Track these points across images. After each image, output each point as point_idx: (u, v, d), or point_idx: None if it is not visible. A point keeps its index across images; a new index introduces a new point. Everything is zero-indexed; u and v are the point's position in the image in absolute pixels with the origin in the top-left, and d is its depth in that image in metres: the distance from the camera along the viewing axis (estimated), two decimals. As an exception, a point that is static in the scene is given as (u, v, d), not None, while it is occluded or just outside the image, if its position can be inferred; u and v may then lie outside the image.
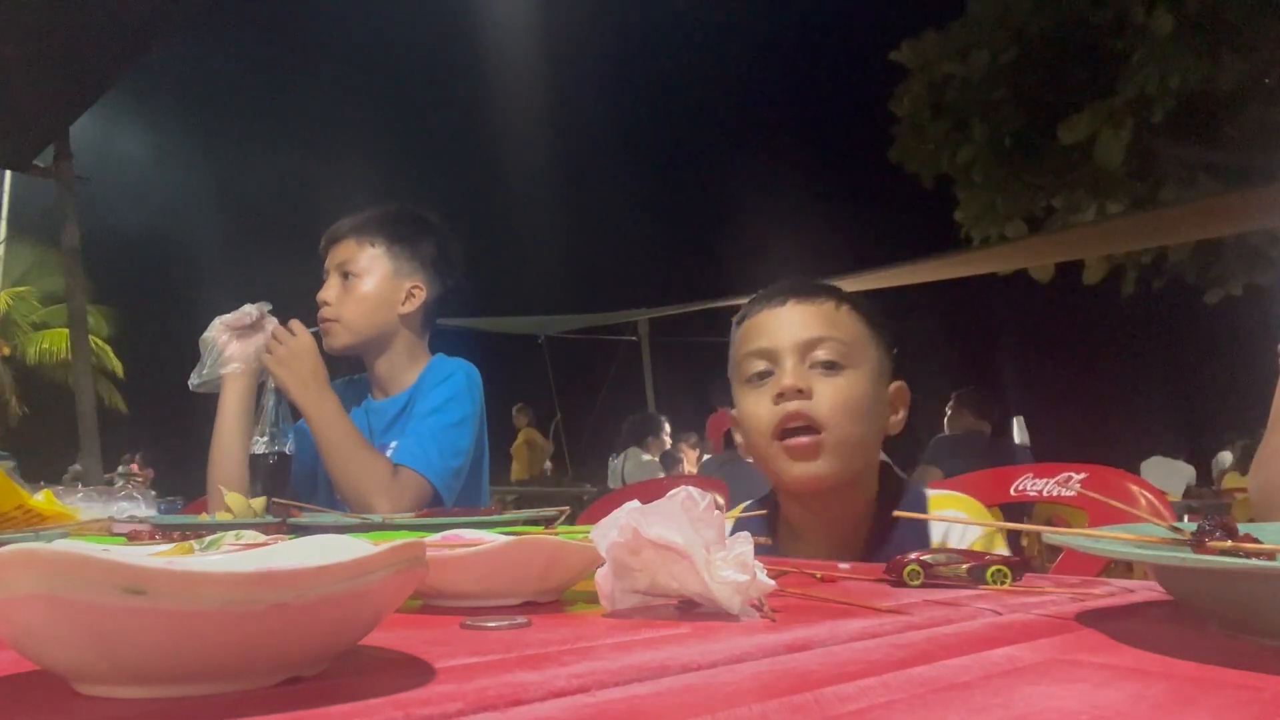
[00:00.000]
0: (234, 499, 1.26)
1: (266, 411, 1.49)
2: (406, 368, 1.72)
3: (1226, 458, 7.88)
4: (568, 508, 1.18)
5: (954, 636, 0.52)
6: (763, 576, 0.58)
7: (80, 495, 1.45)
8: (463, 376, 1.67)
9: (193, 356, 1.62)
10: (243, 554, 0.55)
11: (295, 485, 1.53)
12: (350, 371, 1.81)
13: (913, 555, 0.73)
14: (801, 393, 1.10)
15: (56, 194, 3.79)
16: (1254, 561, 0.48)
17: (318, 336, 1.62)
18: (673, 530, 0.58)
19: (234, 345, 1.61)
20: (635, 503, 0.61)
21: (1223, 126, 8.43)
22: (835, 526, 1.18)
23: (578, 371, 11.31)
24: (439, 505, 1.55)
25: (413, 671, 0.44)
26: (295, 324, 1.60)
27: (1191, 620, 0.56)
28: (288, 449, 1.48)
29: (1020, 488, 1.41)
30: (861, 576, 0.78)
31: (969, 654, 0.47)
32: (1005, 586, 0.70)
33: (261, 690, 0.40)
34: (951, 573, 0.72)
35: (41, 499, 1.02)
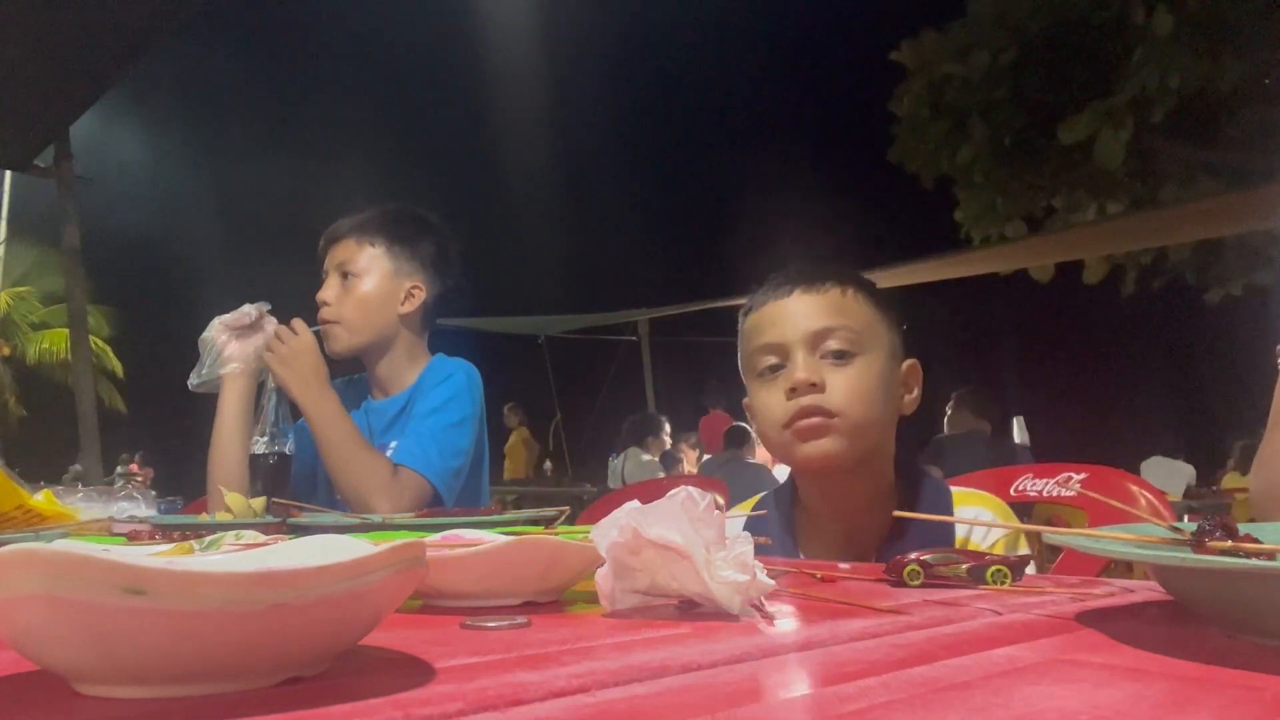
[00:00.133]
0: (234, 499, 1.26)
1: (266, 411, 1.49)
2: (406, 368, 1.72)
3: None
4: (568, 508, 1.18)
5: (954, 636, 0.52)
6: (763, 576, 0.58)
7: (80, 495, 1.45)
8: (463, 376, 1.67)
9: (193, 356, 1.62)
10: (243, 554, 0.55)
11: (295, 485, 1.53)
12: (350, 371, 1.81)
13: (913, 555, 0.73)
14: (814, 386, 1.10)
15: (57, 194, 3.79)
16: (1254, 561, 0.48)
17: (319, 335, 1.62)
18: (673, 530, 0.58)
19: (233, 345, 1.61)
20: (635, 503, 0.61)
21: (1223, 126, 8.43)
22: (852, 510, 1.16)
23: (578, 371, 11.30)
24: (439, 505, 1.55)
25: (413, 671, 0.44)
26: (297, 322, 1.60)
27: (1191, 620, 0.55)
28: (288, 449, 1.48)
29: (1020, 488, 1.41)
30: (861, 576, 0.78)
31: (969, 654, 0.47)
32: (1005, 586, 0.70)
33: (261, 690, 0.40)
34: (951, 573, 0.72)
35: (41, 499, 1.02)
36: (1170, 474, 5.76)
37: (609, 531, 0.60)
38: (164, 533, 0.93)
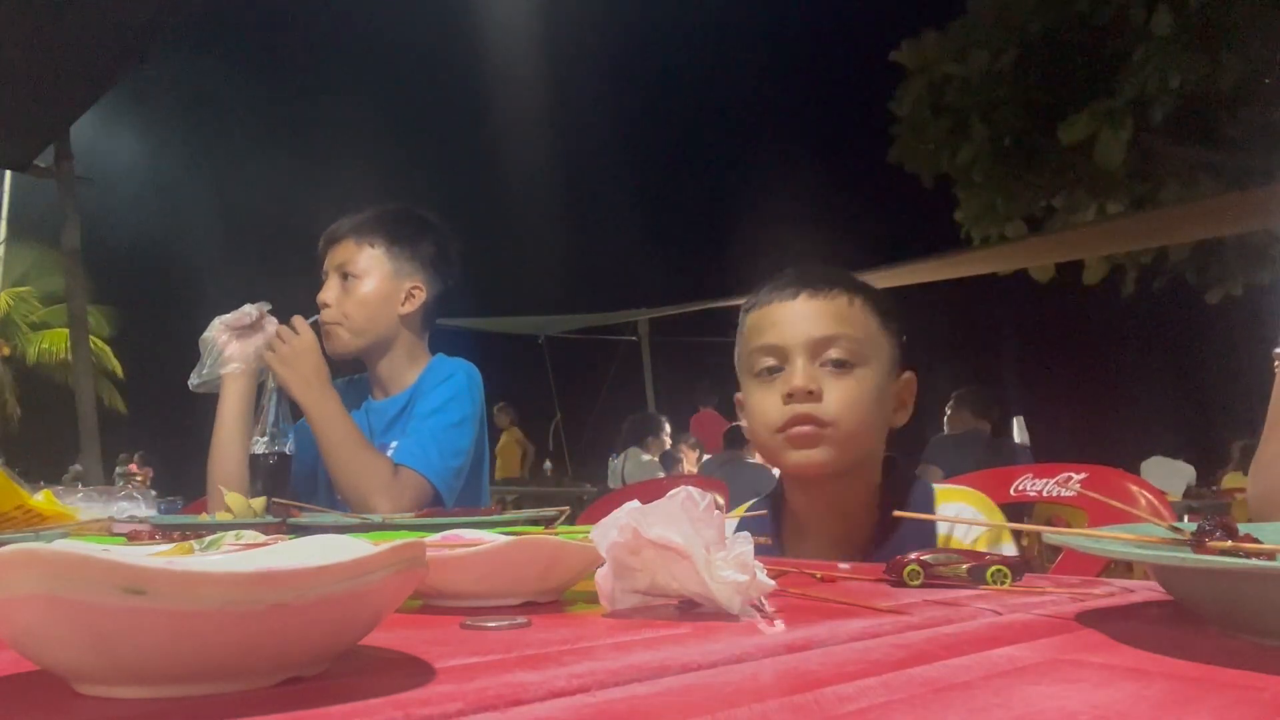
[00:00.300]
0: (234, 499, 1.26)
1: (266, 411, 1.49)
2: (407, 368, 1.72)
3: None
4: (568, 508, 1.18)
5: (954, 636, 0.52)
6: (763, 576, 0.58)
7: (80, 495, 1.45)
8: (463, 377, 1.67)
9: (193, 356, 1.62)
10: (243, 554, 0.55)
11: (295, 485, 1.53)
12: (351, 372, 1.82)
13: (913, 555, 0.73)
14: (811, 394, 1.10)
15: (57, 194, 3.79)
16: (1254, 561, 0.48)
17: (317, 327, 1.62)
18: (673, 530, 0.58)
19: (234, 345, 1.61)
20: (635, 503, 0.61)
21: (1223, 126, 8.42)
22: (839, 515, 1.17)
23: (578, 371, 11.30)
24: (439, 505, 1.55)
25: (413, 671, 0.44)
26: (298, 321, 1.60)
27: (1191, 620, 0.56)
28: (288, 449, 1.48)
29: (1020, 488, 1.41)
30: (861, 576, 0.78)
31: (969, 654, 0.47)
32: (1005, 586, 0.70)
33: (261, 690, 0.40)
34: (951, 573, 0.72)
35: (41, 499, 1.02)
36: (1170, 474, 5.75)
37: (609, 531, 0.60)
38: (164, 533, 0.93)
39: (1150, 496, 1.26)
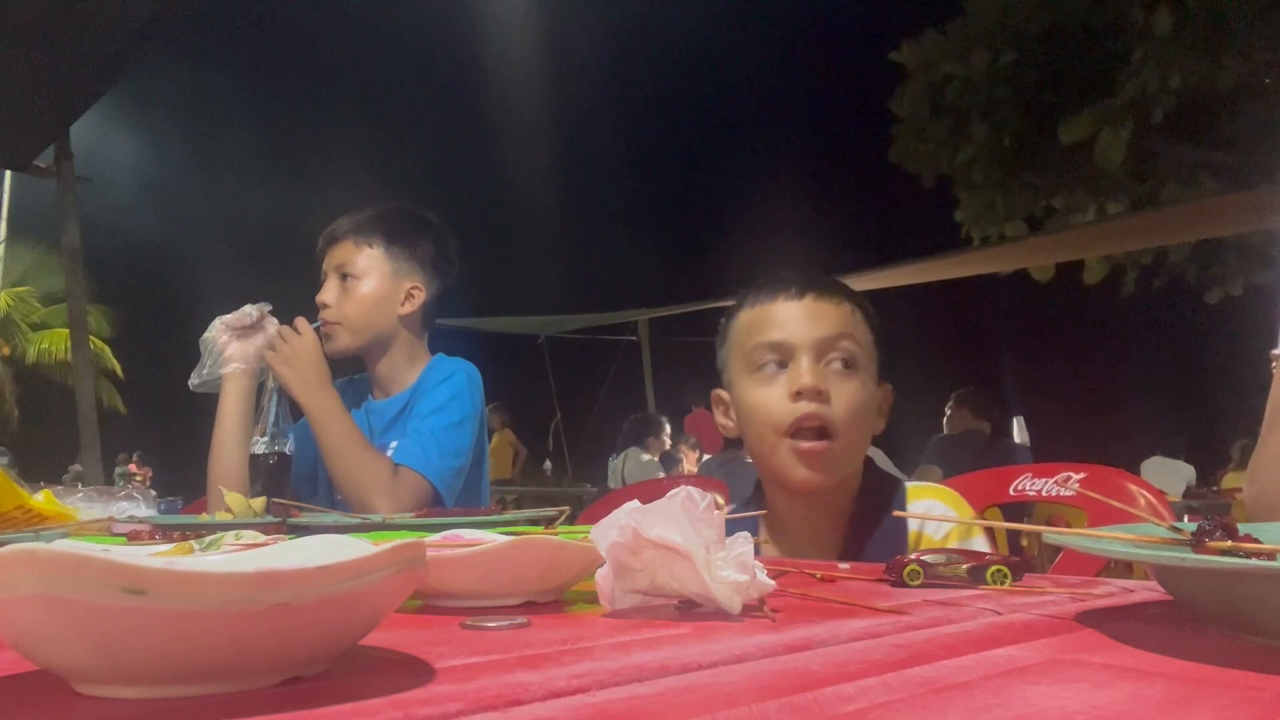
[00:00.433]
0: (234, 499, 1.26)
1: (266, 411, 1.49)
2: (407, 368, 1.72)
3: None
4: (568, 508, 1.18)
5: (954, 636, 0.52)
6: (763, 576, 0.58)
7: (80, 495, 1.45)
8: (463, 377, 1.67)
9: (193, 356, 1.62)
10: (243, 554, 0.55)
11: (295, 485, 1.53)
12: (351, 371, 1.82)
13: (913, 555, 0.73)
14: (820, 394, 1.10)
15: (57, 194, 3.79)
16: (1254, 561, 0.48)
17: (319, 330, 1.62)
18: (673, 530, 0.58)
19: (234, 345, 1.61)
20: (635, 503, 0.61)
21: (1223, 126, 8.43)
22: (820, 520, 1.19)
23: (578, 371, 11.30)
24: (439, 505, 1.55)
25: (413, 671, 0.44)
26: (300, 322, 1.60)
27: (1191, 620, 0.56)
28: (288, 449, 1.48)
29: (1020, 488, 1.41)
30: (861, 576, 0.78)
31: (969, 654, 0.47)
32: (1005, 586, 0.70)
33: (261, 690, 0.40)
34: (952, 573, 0.72)
35: (41, 499, 1.02)
36: (1170, 474, 5.76)
37: (609, 531, 0.60)
38: (164, 533, 0.93)
39: (1150, 496, 1.26)
